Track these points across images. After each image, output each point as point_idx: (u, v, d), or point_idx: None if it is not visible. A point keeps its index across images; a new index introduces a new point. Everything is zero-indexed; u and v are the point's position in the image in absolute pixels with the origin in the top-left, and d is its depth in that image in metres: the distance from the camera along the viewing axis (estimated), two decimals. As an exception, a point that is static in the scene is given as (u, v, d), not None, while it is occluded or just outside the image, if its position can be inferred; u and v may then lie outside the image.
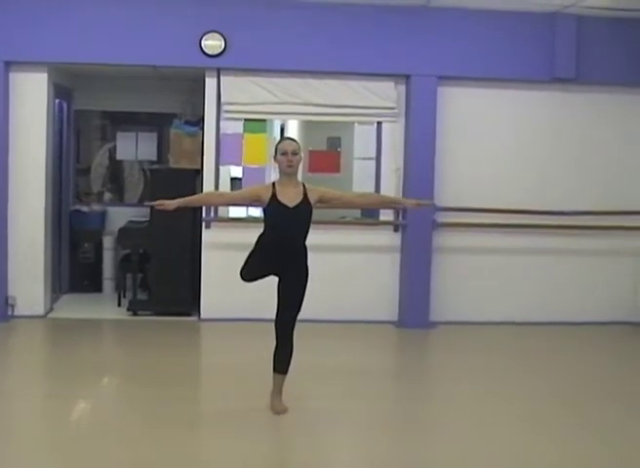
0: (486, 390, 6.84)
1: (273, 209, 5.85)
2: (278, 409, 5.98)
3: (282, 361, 5.98)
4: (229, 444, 5.45)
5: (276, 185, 5.92)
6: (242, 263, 6.02)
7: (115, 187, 10.92)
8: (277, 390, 6.02)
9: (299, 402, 6.15)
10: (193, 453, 5.35)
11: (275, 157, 5.96)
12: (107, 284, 10.37)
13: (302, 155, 6.11)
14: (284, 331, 5.94)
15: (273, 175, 8.57)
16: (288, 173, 5.90)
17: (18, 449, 5.28)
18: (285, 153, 5.88)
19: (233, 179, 9.49)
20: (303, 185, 5.96)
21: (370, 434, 5.79)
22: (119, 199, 10.84)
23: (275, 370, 6.01)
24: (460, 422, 6.02)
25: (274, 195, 5.85)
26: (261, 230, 5.97)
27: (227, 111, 8.84)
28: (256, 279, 6.07)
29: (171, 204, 5.90)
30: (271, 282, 5.94)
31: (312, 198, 5.90)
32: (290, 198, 5.86)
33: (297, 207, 5.85)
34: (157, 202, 5.97)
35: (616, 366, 7.84)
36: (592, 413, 6.29)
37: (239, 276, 6.05)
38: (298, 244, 5.90)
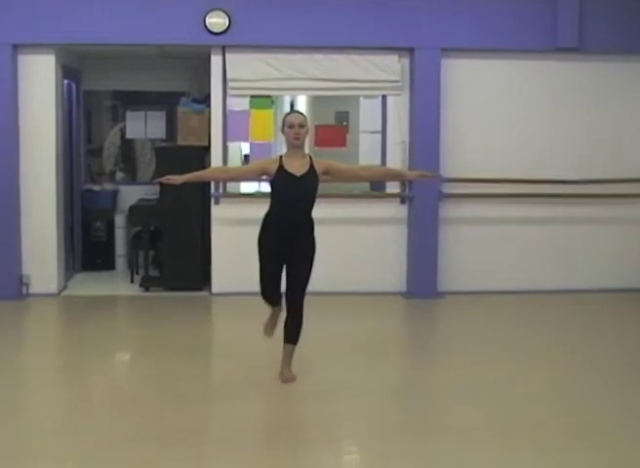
0: (494, 358, 6.93)
1: (280, 178, 5.93)
2: (287, 377, 6.11)
3: (292, 332, 6.10)
4: (240, 411, 5.58)
5: (283, 158, 6.02)
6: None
7: (127, 166, 11.04)
8: (287, 359, 6.14)
9: (307, 371, 6.28)
10: (205, 421, 5.53)
11: (283, 129, 6.05)
12: (120, 261, 10.50)
13: (309, 128, 6.21)
14: (294, 304, 6.06)
15: (280, 151, 8.64)
16: (295, 145, 5.98)
17: (34, 423, 5.42)
18: (292, 126, 5.95)
19: (246, 156, 9.57)
20: (310, 157, 6.07)
21: (377, 400, 5.91)
22: (131, 178, 10.96)
23: (285, 340, 6.13)
24: (468, 389, 6.11)
25: (281, 166, 5.94)
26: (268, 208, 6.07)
27: (233, 88, 8.91)
28: (275, 275, 6.13)
29: (178, 179, 6.02)
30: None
31: (319, 169, 5.99)
32: (297, 168, 5.94)
33: (303, 176, 5.93)
34: (165, 177, 6.09)
35: (626, 333, 7.91)
36: (592, 382, 6.37)
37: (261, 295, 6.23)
38: (304, 215, 5.98)
